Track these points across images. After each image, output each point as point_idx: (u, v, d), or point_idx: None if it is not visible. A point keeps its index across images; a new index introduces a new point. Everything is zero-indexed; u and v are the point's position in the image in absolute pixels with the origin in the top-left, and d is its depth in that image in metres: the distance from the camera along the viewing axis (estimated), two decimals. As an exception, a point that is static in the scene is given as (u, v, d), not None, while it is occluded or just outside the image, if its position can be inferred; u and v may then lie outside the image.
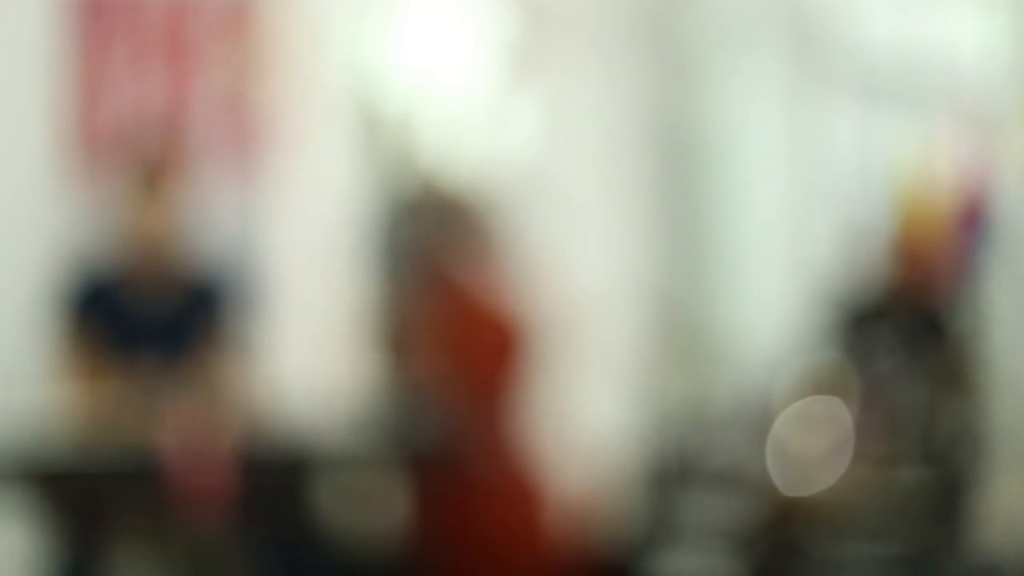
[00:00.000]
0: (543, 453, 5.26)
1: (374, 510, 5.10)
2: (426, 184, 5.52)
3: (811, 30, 8.29)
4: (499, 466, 5.05)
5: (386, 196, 5.79)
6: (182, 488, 3.98)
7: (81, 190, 5.15)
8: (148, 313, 4.64)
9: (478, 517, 4.88)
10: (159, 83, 5.47)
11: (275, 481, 4.30)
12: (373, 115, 5.72)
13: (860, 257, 6.01)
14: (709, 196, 8.76)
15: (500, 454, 5.09)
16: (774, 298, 8.23)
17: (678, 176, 8.49)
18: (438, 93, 6.37)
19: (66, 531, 4.34)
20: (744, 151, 8.78)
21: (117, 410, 4.26)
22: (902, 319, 5.80)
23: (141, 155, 4.62)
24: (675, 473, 5.52)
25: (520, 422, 5.19)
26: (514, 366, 5.17)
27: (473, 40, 5.71)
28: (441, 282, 5.23)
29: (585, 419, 5.75)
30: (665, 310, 8.37)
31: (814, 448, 4.99)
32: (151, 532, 4.23)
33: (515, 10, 7.74)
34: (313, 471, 4.36)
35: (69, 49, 5.25)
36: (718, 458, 5.24)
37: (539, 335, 5.23)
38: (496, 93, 5.58)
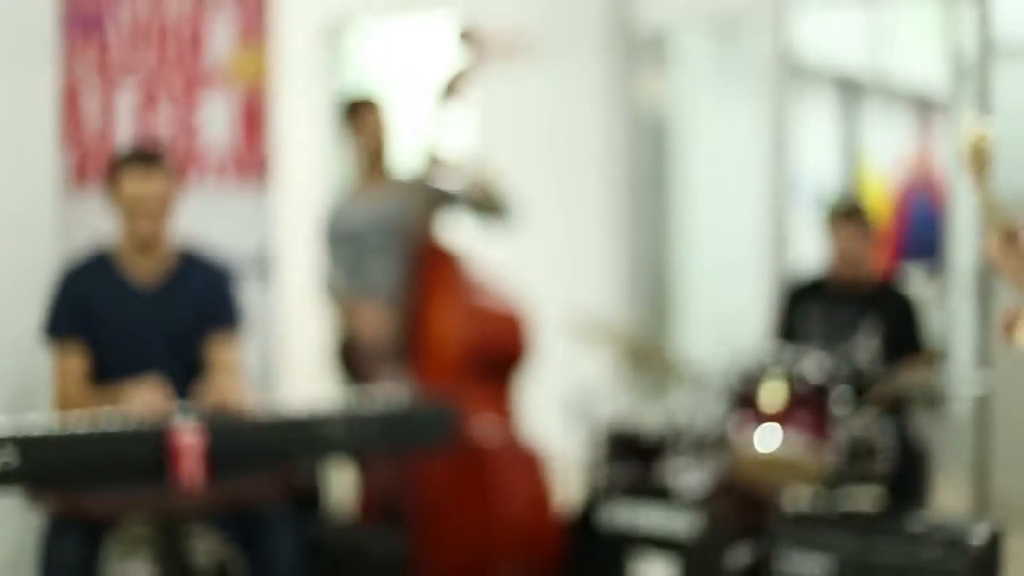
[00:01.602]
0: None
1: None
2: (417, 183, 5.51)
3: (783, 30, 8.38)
4: (510, 439, 5.17)
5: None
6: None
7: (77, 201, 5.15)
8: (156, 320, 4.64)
9: (496, 488, 4.98)
10: (166, 95, 5.49)
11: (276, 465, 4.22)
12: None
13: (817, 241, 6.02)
14: (676, 192, 8.98)
15: (510, 427, 5.21)
16: (745, 289, 8.42)
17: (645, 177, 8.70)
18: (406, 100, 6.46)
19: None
20: (711, 146, 8.99)
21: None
22: (835, 297, 5.84)
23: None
24: (640, 438, 5.56)
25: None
26: (523, 346, 5.28)
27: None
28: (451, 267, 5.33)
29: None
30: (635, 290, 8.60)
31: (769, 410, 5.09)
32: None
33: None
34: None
35: (65, 60, 5.24)
36: (682, 423, 5.30)
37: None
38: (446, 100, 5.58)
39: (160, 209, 4.51)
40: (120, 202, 4.49)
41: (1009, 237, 3.95)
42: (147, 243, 4.55)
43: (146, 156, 4.56)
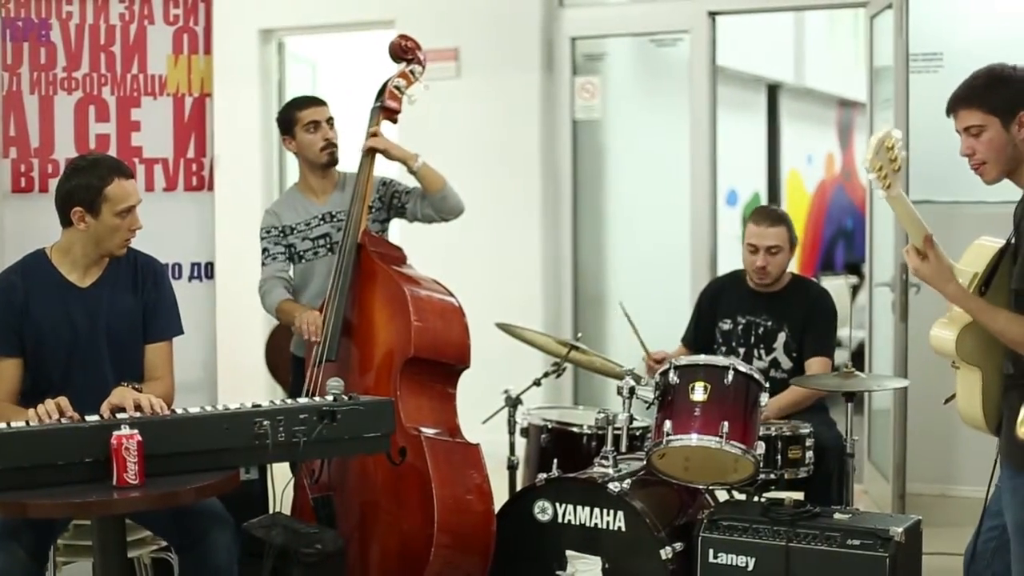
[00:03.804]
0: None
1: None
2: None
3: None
4: (447, 435, 5.17)
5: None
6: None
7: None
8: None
9: (432, 484, 4.93)
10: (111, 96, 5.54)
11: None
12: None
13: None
14: (609, 197, 9.09)
15: (446, 424, 5.23)
16: (674, 289, 8.54)
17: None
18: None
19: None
20: (642, 152, 9.10)
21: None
22: (753, 298, 5.92)
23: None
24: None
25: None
26: (459, 345, 5.30)
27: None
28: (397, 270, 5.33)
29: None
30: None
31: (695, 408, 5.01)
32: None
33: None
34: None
35: (5, 68, 5.33)
36: (612, 420, 5.28)
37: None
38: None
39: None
40: (111, 211, 4.53)
41: (927, 243, 4.09)
42: (127, 245, 4.63)
43: (123, 164, 4.64)
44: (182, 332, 4.85)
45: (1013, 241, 3.99)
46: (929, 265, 4.09)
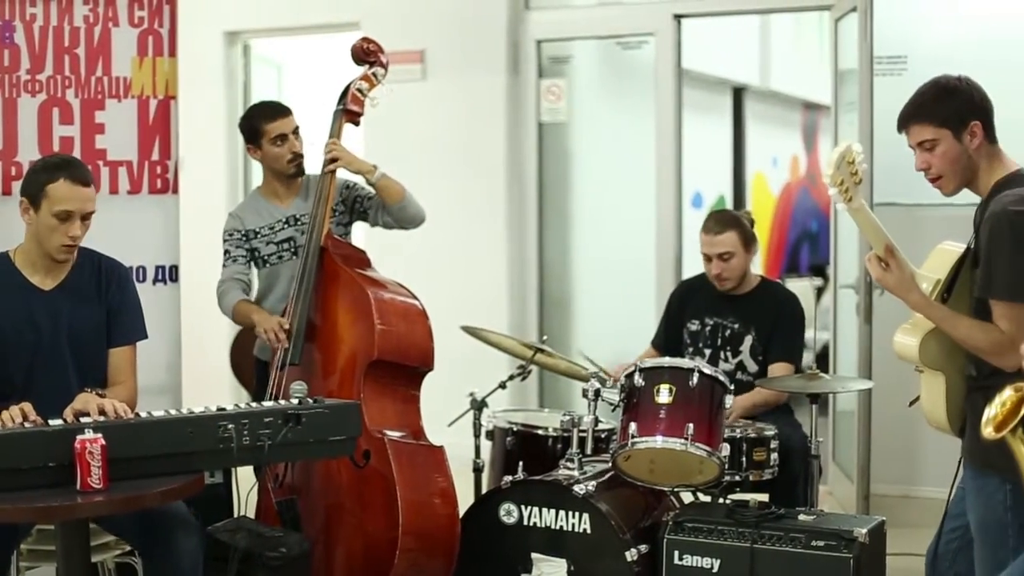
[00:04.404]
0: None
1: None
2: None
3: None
4: (411, 438, 5.18)
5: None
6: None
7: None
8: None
9: (397, 487, 4.94)
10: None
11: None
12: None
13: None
14: (576, 200, 9.08)
15: (411, 427, 5.23)
16: (640, 292, 8.51)
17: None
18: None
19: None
20: (609, 154, 9.11)
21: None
22: (719, 300, 5.95)
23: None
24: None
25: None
26: (424, 348, 5.30)
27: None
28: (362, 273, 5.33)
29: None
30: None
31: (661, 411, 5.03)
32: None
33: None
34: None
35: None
36: (577, 423, 5.28)
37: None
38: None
39: (89, 218, 4.54)
40: (48, 210, 4.47)
41: (888, 252, 4.11)
42: (69, 250, 4.57)
43: (80, 168, 4.58)
44: (146, 336, 4.82)
45: (973, 246, 4.01)
46: (891, 274, 4.11)
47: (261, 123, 5.64)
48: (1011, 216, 3.84)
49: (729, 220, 5.99)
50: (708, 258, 5.93)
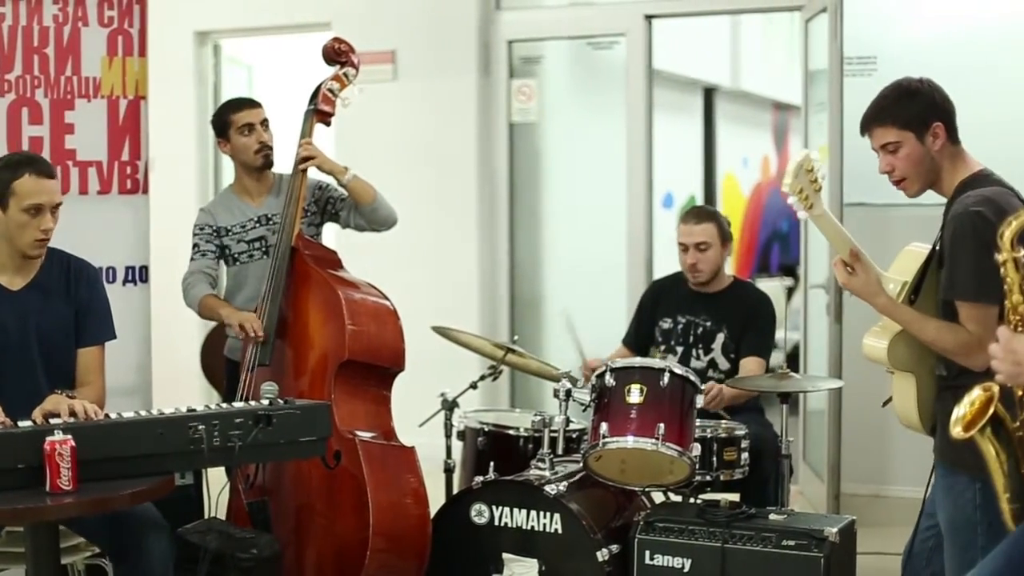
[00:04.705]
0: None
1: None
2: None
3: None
4: (383, 439, 5.18)
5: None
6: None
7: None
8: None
9: (368, 487, 4.94)
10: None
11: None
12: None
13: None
14: (547, 200, 9.08)
15: (382, 428, 5.23)
16: (611, 291, 8.55)
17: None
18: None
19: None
20: (580, 154, 9.09)
21: None
22: (691, 300, 5.98)
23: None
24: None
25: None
26: (395, 349, 5.30)
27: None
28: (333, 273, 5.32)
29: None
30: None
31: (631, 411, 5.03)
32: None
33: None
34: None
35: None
36: (548, 423, 5.28)
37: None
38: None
39: (57, 210, 4.52)
40: (17, 206, 4.46)
41: (853, 257, 4.13)
42: (42, 244, 4.55)
43: (42, 162, 4.57)
44: (115, 337, 4.81)
45: (938, 247, 4.03)
46: (857, 278, 4.13)
47: (228, 114, 5.64)
48: (973, 217, 3.86)
49: (708, 213, 6.07)
50: (684, 248, 5.96)
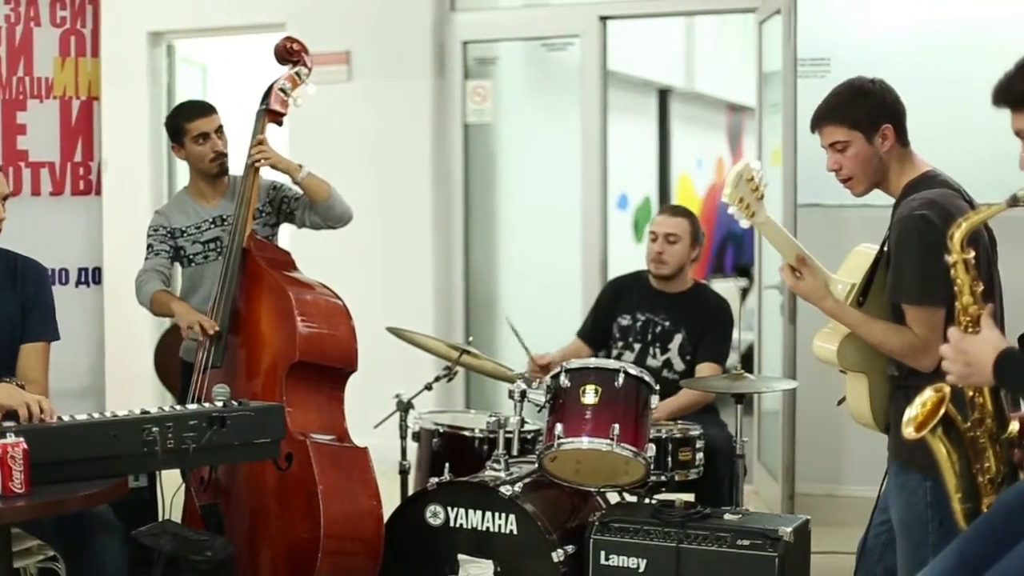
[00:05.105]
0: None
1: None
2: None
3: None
4: (336, 440, 5.18)
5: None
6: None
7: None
8: None
9: (321, 489, 4.93)
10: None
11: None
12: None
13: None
14: (502, 200, 9.08)
15: (335, 429, 5.22)
16: (566, 292, 8.56)
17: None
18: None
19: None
20: (535, 156, 9.11)
21: None
22: (650, 300, 6.02)
23: None
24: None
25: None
26: (349, 349, 5.29)
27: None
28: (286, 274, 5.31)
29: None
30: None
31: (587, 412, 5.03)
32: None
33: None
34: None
35: None
36: (503, 424, 5.27)
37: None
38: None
39: (5, 201, 4.50)
40: None
41: (800, 261, 4.16)
42: None
43: None
44: (58, 338, 4.75)
45: (887, 249, 4.06)
46: (804, 282, 4.16)
47: (183, 122, 5.61)
48: (918, 221, 3.89)
49: (686, 211, 6.16)
50: (654, 237, 6.00)
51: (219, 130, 5.61)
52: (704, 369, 5.85)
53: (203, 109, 5.69)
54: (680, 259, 6.00)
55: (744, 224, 4.17)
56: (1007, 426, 3.36)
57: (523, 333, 5.65)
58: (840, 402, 4.31)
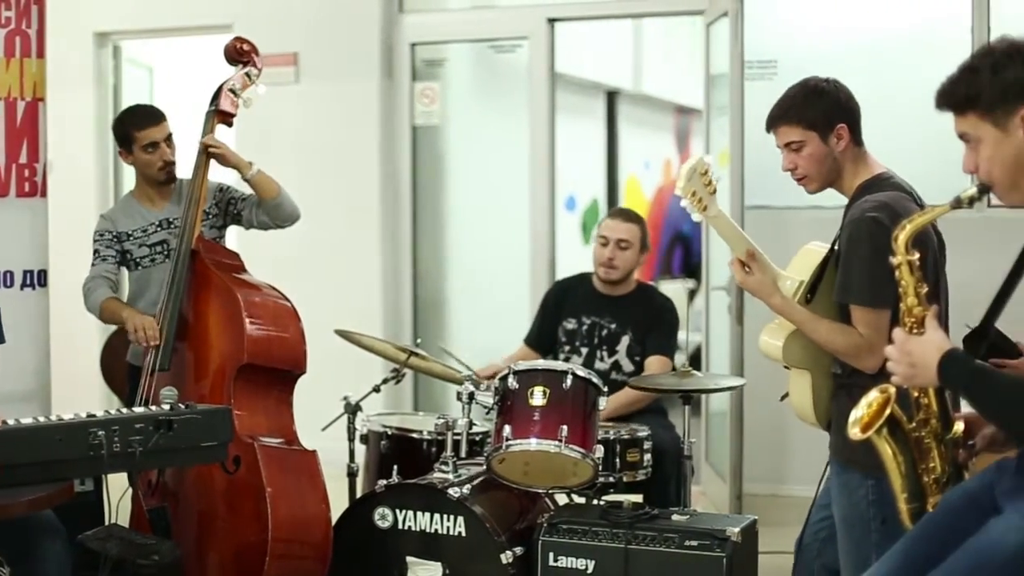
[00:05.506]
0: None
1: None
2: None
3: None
4: (284, 442, 5.17)
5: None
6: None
7: None
8: None
9: (269, 491, 4.93)
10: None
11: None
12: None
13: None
14: (449, 202, 9.07)
15: (283, 431, 5.23)
16: (513, 294, 8.56)
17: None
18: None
19: None
20: (483, 157, 9.11)
21: None
22: (597, 302, 6.07)
23: None
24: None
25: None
26: (297, 351, 5.30)
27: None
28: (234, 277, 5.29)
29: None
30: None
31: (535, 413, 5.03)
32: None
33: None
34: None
35: None
36: (451, 426, 5.25)
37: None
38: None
39: None
40: None
41: (750, 256, 4.18)
42: None
43: None
44: (3, 341, 4.74)
45: (837, 248, 4.08)
46: (753, 278, 4.18)
47: (133, 130, 5.55)
48: (869, 223, 3.92)
49: (637, 217, 6.20)
50: (605, 242, 6.03)
51: (168, 138, 5.57)
52: (653, 363, 5.88)
53: (153, 117, 5.62)
54: (630, 265, 6.06)
55: (696, 218, 4.19)
56: (952, 426, 3.37)
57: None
58: (783, 398, 4.34)
